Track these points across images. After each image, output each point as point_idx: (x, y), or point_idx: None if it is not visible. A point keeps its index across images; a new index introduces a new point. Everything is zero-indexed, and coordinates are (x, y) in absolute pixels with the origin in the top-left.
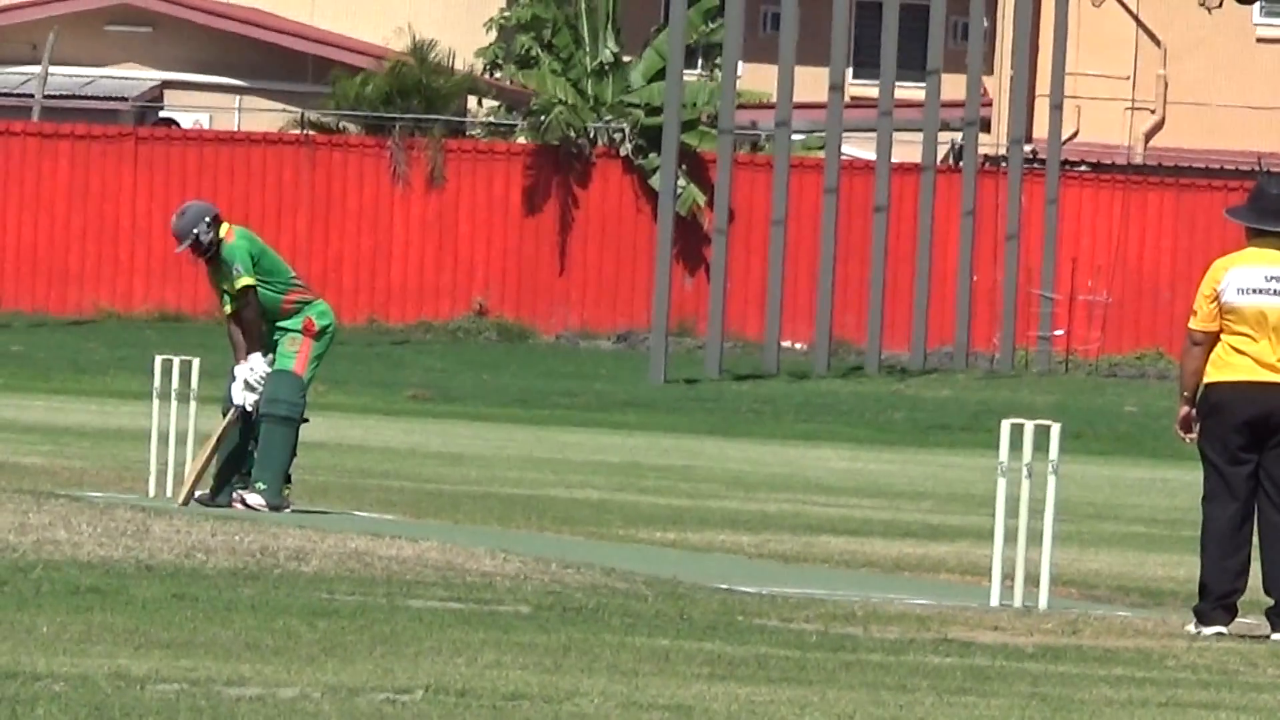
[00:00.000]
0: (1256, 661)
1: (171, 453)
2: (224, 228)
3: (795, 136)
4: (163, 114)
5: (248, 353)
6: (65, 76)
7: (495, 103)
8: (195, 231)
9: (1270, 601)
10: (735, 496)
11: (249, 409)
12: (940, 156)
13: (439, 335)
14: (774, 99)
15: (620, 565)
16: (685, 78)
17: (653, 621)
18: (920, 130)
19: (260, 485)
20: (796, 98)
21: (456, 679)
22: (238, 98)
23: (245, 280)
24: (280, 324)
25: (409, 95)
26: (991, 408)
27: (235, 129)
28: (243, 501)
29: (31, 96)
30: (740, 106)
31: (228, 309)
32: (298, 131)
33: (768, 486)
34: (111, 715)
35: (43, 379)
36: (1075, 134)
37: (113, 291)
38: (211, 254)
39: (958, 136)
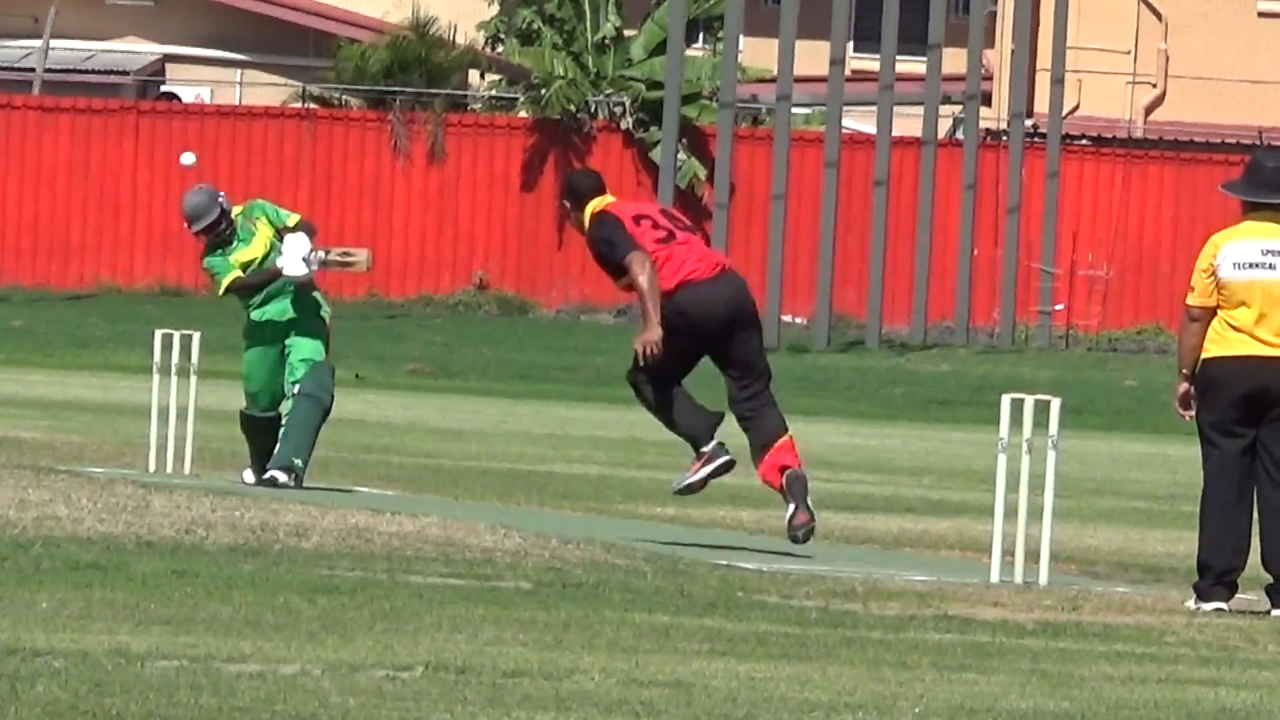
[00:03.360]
0: (1256, 638)
1: (172, 428)
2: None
3: (796, 110)
4: (164, 88)
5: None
6: (66, 50)
7: (496, 77)
8: (218, 212)
9: (1270, 578)
10: (735, 472)
11: (298, 276)
12: (941, 130)
13: (439, 309)
14: (775, 73)
15: (620, 541)
16: (686, 52)
17: (653, 598)
18: (921, 104)
19: (299, 463)
20: (797, 71)
21: (456, 655)
22: (239, 72)
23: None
24: (312, 294)
25: (410, 69)
26: (992, 383)
27: (236, 103)
28: (274, 481)
29: (32, 70)
30: (741, 82)
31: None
32: (299, 105)
33: None
34: (111, 692)
35: (43, 353)
36: (1076, 108)
37: (113, 266)
38: (227, 233)
39: (958, 110)
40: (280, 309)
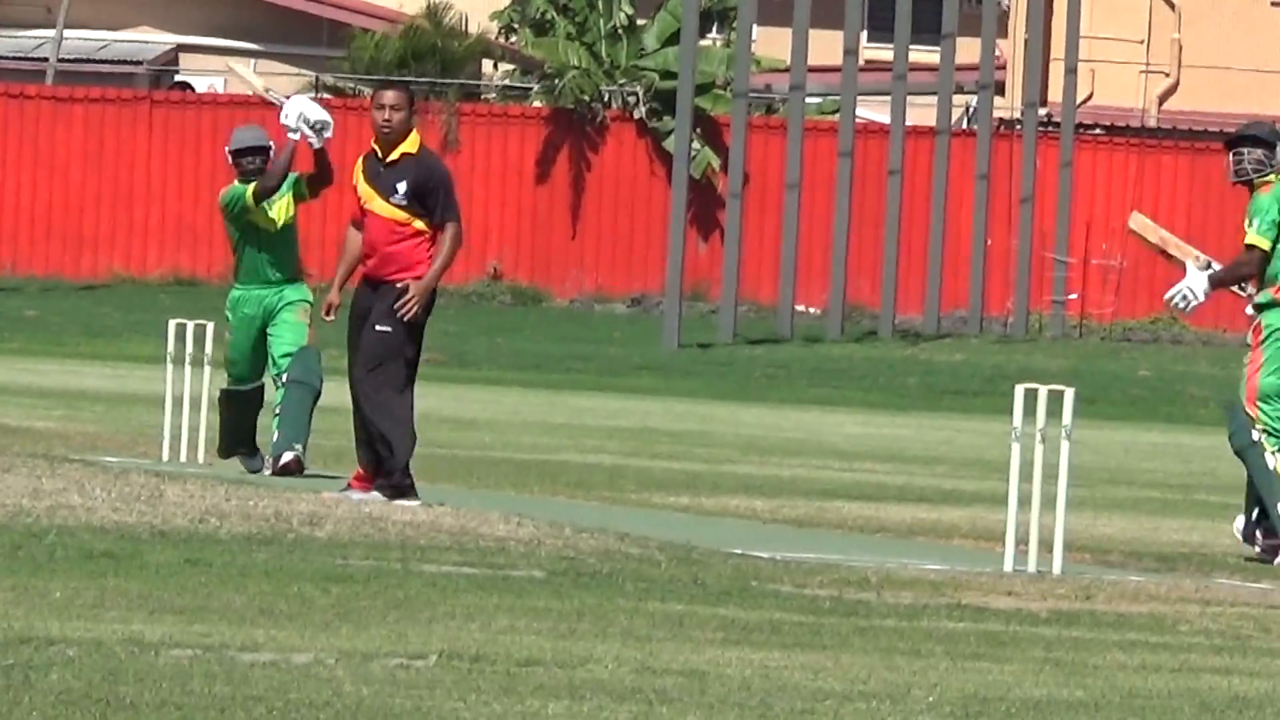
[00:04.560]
0: (1269, 626)
1: (185, 417)
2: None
3: (810, 100)
4: (177, 78)
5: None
6: (80, 40)
7: (510, 66)
8: (270, 145)
9: None
10: (749, 461)
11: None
12: (954, 120)
13: (453, 299)
14: (788, 62)
15: (634, 530)
16: (700, 41)
17: (666, 587)
18: (935, 94)
19: (298, 445)
20: (811, 61)
21: (470, 644)
22: (253, 61)
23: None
24: (288, 284)
25: (424, 58)
26: (1005, 372)
27: (250, 93)
28: (278, 460)
29: (46, 60)
30: (755, 71)
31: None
32: (312, 95)
33: (781, 451)
34: (125, 681)
35: (57, 343)
36: (1089, 97)
37: (127, 255)
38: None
39: (972, 100)
40: (260, 295)
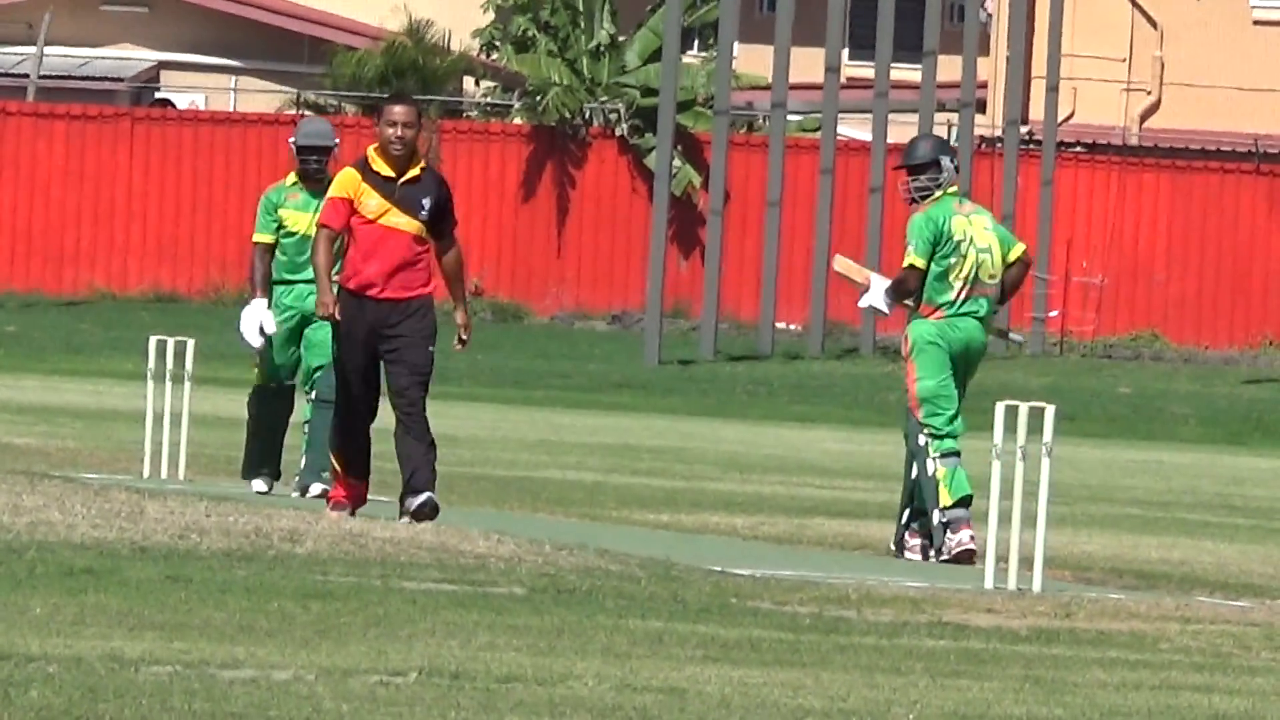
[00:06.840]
0: (1249, 644)
1: (166, 434)
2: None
3: (791, 117)
4: (159, 94)
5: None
6: (61, 57)
7: (492, 83)
8: (334, 144)
9: None
10: (729, 478)
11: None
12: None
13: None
14: (769, 80)
15: (614, 547)
16: (681, 59)
17: (646, 604)
18: (916, 111)
19: (325, 474)
20: (792, 79)
21: (450, 661)
22: (234, 78)
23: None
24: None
25: (405, 75)
26: (986, 389)
27: (231, 109)
28: (305, 490)
29: (27, 76)
30: (736, 89)
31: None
32: (294, 112)
33: (762, 468)
34: (105, 697)
35: (37, 359)
36: (1071, 115)
37: (108, 272)
38: (323, 178)
39: (953, 118)
40: (301, 290)
